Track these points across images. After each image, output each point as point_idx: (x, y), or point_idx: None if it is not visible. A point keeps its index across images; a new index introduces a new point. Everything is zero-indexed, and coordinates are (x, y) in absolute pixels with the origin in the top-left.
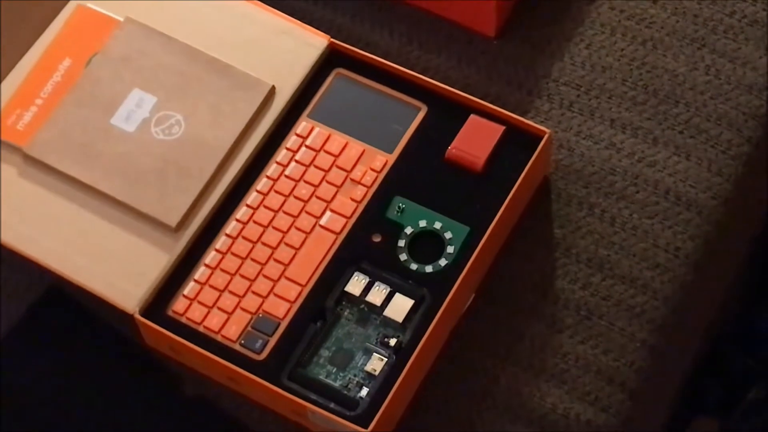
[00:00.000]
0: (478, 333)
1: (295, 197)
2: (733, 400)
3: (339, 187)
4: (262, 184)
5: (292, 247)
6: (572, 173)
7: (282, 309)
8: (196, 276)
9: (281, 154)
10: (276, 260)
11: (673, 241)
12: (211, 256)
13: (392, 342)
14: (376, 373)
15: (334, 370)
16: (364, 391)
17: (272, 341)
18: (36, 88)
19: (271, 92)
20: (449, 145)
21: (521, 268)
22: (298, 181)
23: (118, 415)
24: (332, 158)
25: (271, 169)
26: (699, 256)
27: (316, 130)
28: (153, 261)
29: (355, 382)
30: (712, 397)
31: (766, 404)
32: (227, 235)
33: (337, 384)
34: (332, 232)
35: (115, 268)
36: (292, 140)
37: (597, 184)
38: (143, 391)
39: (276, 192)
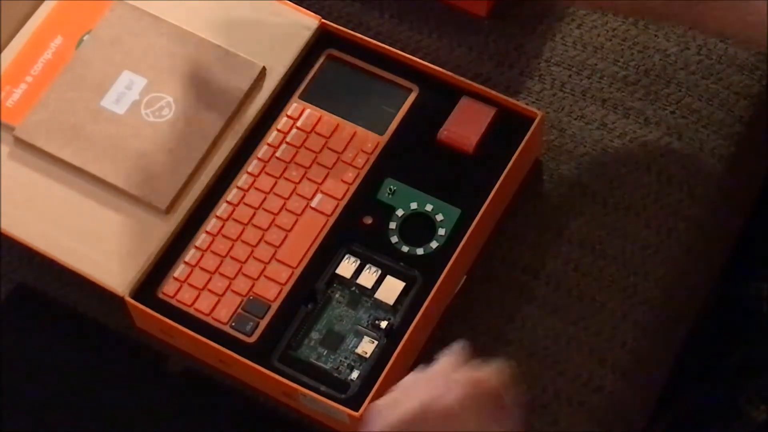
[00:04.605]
0: (470, 315)
1: (286, 179)
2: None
3: (330, 168)
4: (252, 165)
5: (282, 229)
6: (564, 154)
7: (273, 291)
8: (187, 258)
9: (272, 136)
10: (267, 242)
11: (664, 221)
12: (201, 239)
13: (383, 324)
14: (367, 355)
15: (324, 353)
16: (355, 374)
17: (263, 323)
18: (26, 66)
19: (262, 73)
20: (441, 127)
21: (513, 250)
22: (289, 162)
23: (100, 400)
24: (323, 140)
25: (262, 150)
26: (691, 237)
27: (307, 111)
28: (143, 243)
29: (345, 364)
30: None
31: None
32: (218, 217)
33: (327, 366)
34: (323, 214)
35: (105, 251)
36: (283, 122)
37: (589, 165)
38: (123, 376)
39: (267, 174)
